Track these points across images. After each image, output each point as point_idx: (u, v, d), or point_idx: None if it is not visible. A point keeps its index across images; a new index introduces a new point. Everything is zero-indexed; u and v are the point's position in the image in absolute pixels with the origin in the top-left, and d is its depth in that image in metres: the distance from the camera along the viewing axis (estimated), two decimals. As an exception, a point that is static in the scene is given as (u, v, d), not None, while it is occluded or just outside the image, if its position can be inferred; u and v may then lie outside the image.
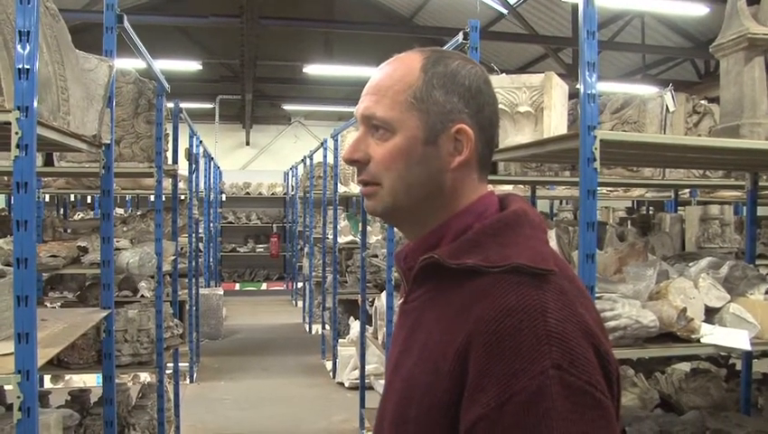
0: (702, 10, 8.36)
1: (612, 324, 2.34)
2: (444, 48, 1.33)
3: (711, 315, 2.63)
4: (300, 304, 11.34)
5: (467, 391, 0.92)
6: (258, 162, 15.81)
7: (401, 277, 1.15)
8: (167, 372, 4.98)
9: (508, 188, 5.40)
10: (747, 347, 2.47)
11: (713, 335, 2.48)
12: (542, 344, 0.89)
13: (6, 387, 3.30)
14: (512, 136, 2.89)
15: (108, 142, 2.95)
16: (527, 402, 0.88)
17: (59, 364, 3.81)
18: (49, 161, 3.87)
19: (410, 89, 1.06)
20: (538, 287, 0.95)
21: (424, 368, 0.99)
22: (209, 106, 14.60)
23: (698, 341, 2.49)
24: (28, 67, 1.87)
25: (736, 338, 2.46)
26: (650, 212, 7.13)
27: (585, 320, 0.95)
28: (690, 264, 3.10)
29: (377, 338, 5.08)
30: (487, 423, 0.89)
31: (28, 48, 1.88)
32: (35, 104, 1.90)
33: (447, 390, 0.94)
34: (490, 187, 1.15)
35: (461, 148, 1.07)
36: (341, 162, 7.54)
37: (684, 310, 2.46)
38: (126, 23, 3.10)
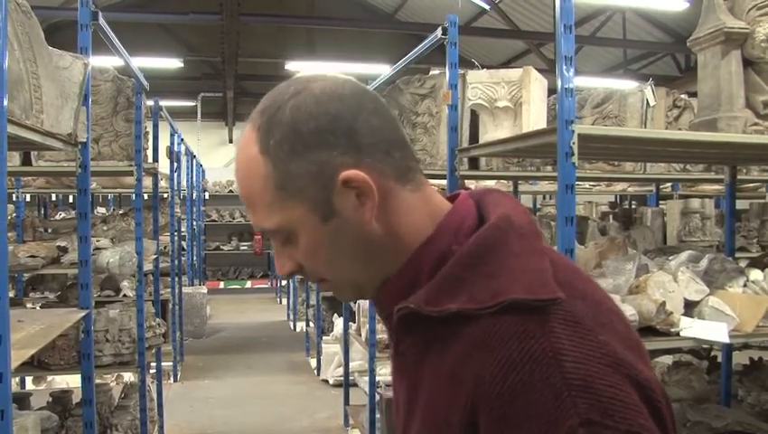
0: (682, 5, 8.42)
1: (591, 318, 2.34)
2: (334, 77, 0.96)
3: (690, 308, 2.64)
4: (284, 301, 11.32)
5: None
6: (242, 159, 15.70)
7: (383, 322, 0.98)
8: (151, 371, 4.94)
9: (491, 183, 5.40)
10: (726, 340, 2.49)
11: (692, 328, 2.50)
12: (563, 397, 0.72)
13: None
14: (492, 131, 2.89)
15: (84, 140, 2.91)
16: None
17: (39, 365, 3.76)
18: (27, 160, 3.81)
19: (267, 182, 0.88)
20: (543, 324, 0.77)
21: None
22: (191, 103, 14.51)
23: (678, 334, 2.50)
24: (-3, 64, 1.84)
25: (715, 331, 2.48)
26: (633, 207, 7.17)
27: (611, 349, 0.77)
28: (670, 258, 3.11)
29: (360, 335, 5.07)
30: None
31: (-3, 45, 1.84)
32: (5, 102, 1.86)
33: None
34: (471, 185, 1.06)
35: (362, 195, 0.87)
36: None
37: (663, 304, 2.47)
38: (102, 20, 3.06)
